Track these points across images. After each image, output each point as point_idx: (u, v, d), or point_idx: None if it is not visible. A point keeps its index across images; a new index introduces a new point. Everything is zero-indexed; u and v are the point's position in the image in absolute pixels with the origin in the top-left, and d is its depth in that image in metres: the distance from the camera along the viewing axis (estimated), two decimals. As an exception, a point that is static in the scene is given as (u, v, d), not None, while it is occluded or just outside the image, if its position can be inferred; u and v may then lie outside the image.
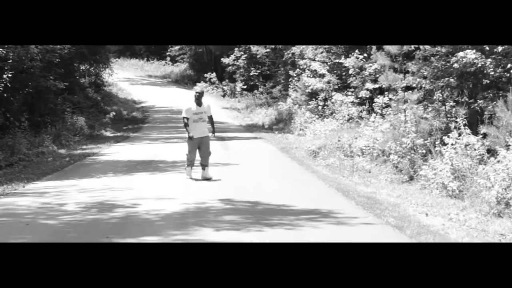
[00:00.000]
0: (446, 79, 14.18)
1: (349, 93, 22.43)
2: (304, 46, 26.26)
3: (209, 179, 13.29)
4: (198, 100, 13.72)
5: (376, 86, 20.42)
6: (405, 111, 15.43)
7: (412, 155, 13.91)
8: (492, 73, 13.14)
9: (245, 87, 39.38)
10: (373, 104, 19.89)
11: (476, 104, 13.65)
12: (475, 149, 12.14)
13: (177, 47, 51.30)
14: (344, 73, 23.31)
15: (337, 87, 23.77)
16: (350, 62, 22.09)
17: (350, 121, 21.12)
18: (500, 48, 13.15)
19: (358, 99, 21.87)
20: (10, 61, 18.76)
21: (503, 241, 8.56)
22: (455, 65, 13.50)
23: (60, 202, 10.95)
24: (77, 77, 29.19)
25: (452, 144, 12.32)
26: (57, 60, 21.80)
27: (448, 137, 12.61)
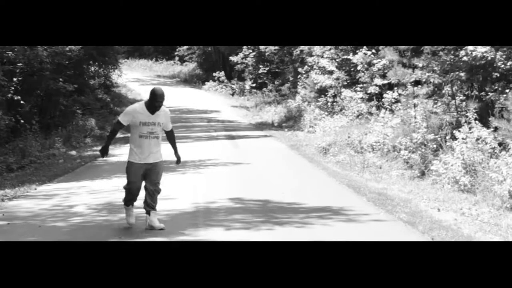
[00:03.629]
0: (456, 73, 14.10)
1: (358, 89, 22.39)
2: (312, 43, 26.23)
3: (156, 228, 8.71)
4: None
5: (385, 81, 20.40)
6: (415, 106, 15.38)
7: (423, 150, 13.86)
8: (502, 66, 13.05)
9: (254, 85, 39.36)
10: (383, 99, 19.85)
11: (486, 98, 13.57)
12: (486, 143, 12.07)
13: (185, 47, 51.30)
14: (352, 69, 23.26)
15: (346, 83, 23.73)
16: (358, 58, 22.05)
17: (360, 117, 21.08)
18: (510, 41, 13.05)
19: (367, 95, 21.83)
20: (20, 64, 18.81)
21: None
22: (465, 59, 13.42)
23: (71, 204, 10.97)
24: (87, 79, 29.22)
25: (463, 138, 12.26)
26: (67, 62, 21.85)
27: (459, 131, 12.55)
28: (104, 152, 8.82)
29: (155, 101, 8.53)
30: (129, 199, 8.83)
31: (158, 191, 8.74)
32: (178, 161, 9.10)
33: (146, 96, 33.16)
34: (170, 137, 8.91)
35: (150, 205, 8.65)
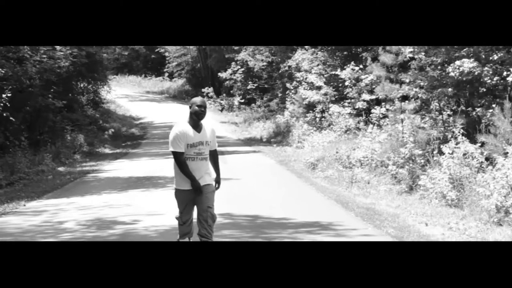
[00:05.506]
0: (443, 88, 14.20)
1: (346, 104, 22.49)
2: (300, 59, 26.35)
3: None
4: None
5: (373, 97, 20.51)
6: (402, 121, 15.48)
7: (411, 165, 13.94)
8: (489, 81, 13.15)
9: (242, 101, 39.50)
10: (370, 115, 19.95)
11: (473, 113, 13.68)
12: (473, 158, 12.16)
13: (174, 63, 51.37)
14: (340, 85, 23.37)
15: (334, 99, 23.83)
16: (346, 73, 22.17)
17: (348, 132, 21.17)
18: (496, 57, 13.17)
19: (355, 110, 21.93)
20: (11, 80, 18.81)
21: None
22: (451, 74, 13.51)
23: (60, 220, 10.97)
24: (76, 95, 29.26)
25: (450, 153, 12.35)
26: (56, 78, 21.88)
27: (446, 146, 12.63)
28: (199, 188, 7.51)
29: (199, 110, 7.56)
30: (187, 232, 7.87)
31: (211, 217, 7.65)
32: (218, 185, 7.84)
33: (135, 112, 33.02)
34: (214, 157, 7.80)
35: (205, 236, 7.53)
